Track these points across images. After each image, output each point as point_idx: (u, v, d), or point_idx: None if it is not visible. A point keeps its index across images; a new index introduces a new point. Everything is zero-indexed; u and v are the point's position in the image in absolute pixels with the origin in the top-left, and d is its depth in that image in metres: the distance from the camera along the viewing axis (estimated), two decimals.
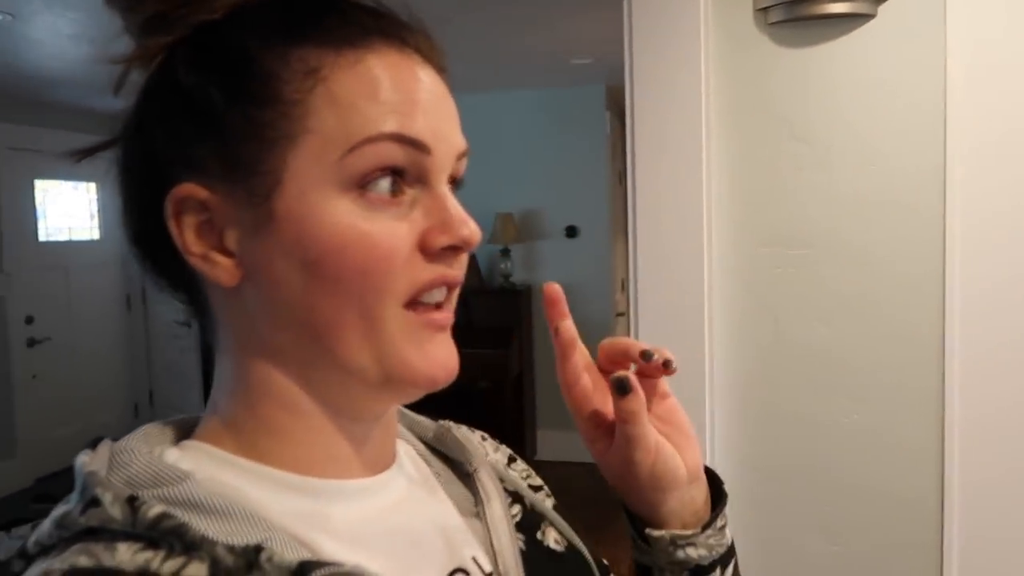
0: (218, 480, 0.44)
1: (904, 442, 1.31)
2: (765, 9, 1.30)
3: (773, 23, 1.31)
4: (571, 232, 4.93)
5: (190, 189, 0.44)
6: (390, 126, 0.44)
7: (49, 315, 4.90)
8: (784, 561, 1.37)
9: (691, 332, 1.35)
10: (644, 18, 1.33)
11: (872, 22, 1.27)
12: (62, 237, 5.11)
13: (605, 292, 4.92)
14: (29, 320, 4.78)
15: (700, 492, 0.57)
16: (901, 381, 1.30)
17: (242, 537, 0.41)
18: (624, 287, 4.89)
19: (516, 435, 4.68)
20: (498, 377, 4.55)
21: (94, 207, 5.29)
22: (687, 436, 0.57)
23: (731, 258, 1.37)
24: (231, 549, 0.39)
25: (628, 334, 1.43)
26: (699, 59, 1.31)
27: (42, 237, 4.96)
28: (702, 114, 1.32)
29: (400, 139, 0.44)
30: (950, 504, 1.27)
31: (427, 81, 0.47)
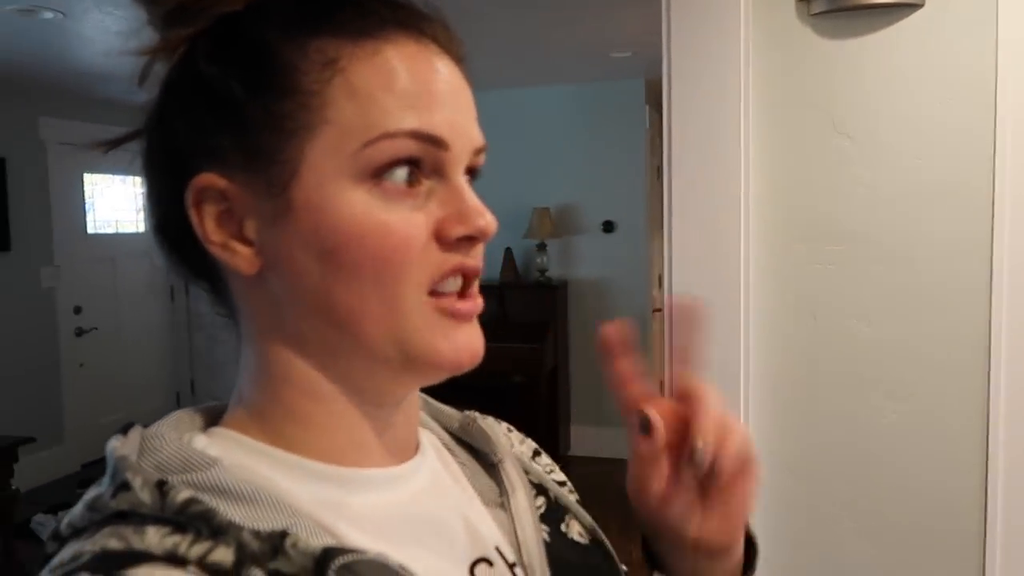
0: (245, 467, 0.45)
1: (946, 444, 1.28)
2: (808, 0, 1.28)
3: (816, 14, 1.28)
4: (608, 227, 4.90)
5: (210, 179, 0.45)
6: (409, 122, 0.44)
7: (96, 306, 5.04)
8: (819, 561, 1.35)
9: (727, 329, 1.33)
10: (683, 10, 1.32)
11: (920, 12, 1.24)
12: (110, 230, 5.24)
13: (642, 288, 4.89)
14: (77, 310, 4.91)
15: (717, 565, 0.55)
16: (944, 381, 1.27)
17: (268, 523, 0.41)
18: (661, 283, 4.86)
19: (550, 430, 4.68)
20: (532, 372, 4.55)
21: (140, 200, 5.41)
22: (728, 520, 0.52)
23: (769, 254, 1.35)
24: (257, 534, 0.40)
25: (663, 331, 1.42)
26: (739, 51, 1.29)
27: (90, 230, 5.09)
28: (741, 107, 1.30)
29: (418, 136, 0.44)
30: (993, 509, 1.24)
31: (445, 73, 0.47)
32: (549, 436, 4.60)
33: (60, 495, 4.15)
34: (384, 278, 0.44)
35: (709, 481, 0.51)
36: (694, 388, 0.52)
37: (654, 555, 0.59)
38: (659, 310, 4.83)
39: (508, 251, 4.86)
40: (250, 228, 0.45)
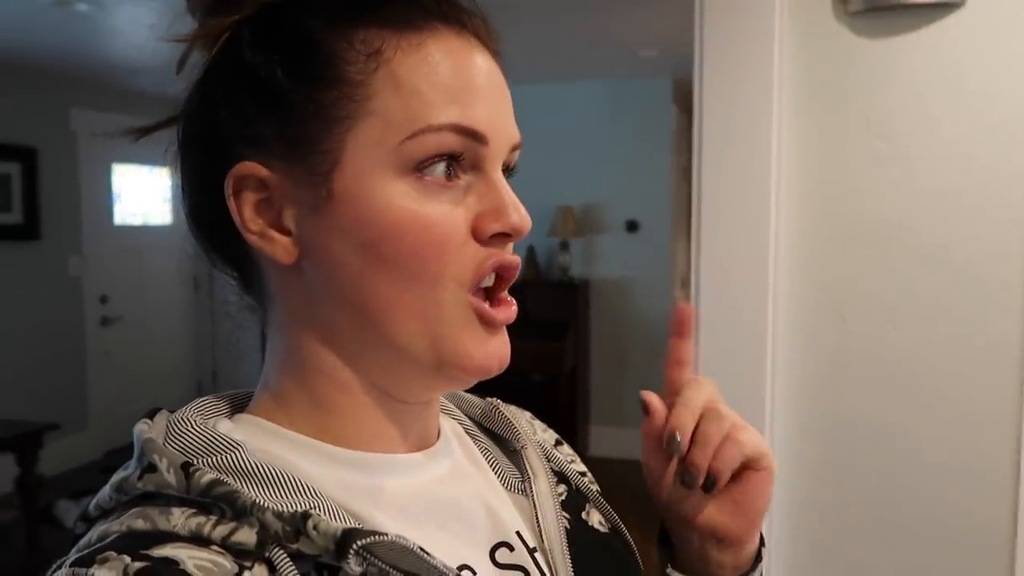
0: (268, 451, 0.46)
1: (976, 453, 1.25)
2: None
3: (854, 12, 1.26)
4: (632, 227, 4.87)
5: (251, 167, 0.45)
6: (452, 116, 0.44)
7: (122, 295, 5.10)
8: (844, 566, 1.33)
9: (754, 331, 1.32)
10: (716, 6, 1.30)
11: (960, 11, 1.21)
12: (136, 221, 5.31)
13: (664, 288, 4.86)
14: (103, 300, 4.98)
15: (727, 556, 0.56)
16: (976, 389, 1.25)
17: (290, 505, 0.42)
18: (684, 284, 4.82)
19: (569, 430, 4.66)
20: (552, 371, 4.54)
21: (167, 192, 5.47)
22: (740, 513, 0.54)
23: (798, 256, 1.33)
24: (279, 515, 0.40)
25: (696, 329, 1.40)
26: (772, 50, 1.27)
27: (117, 221, 5.15)
28: (773, 107, 1.28)
29: (460, 130, 0.44)
30: None
31: (485, 67, 0.47)
32: (568, 436, 4.58)
33: (84, 482, 4.21)
34: (423, 273, 0.44)
35: (707, 483, 0.52)
36: (679, 383, 0.54)
37: (670, 546, 0.60)
38: None
39: (531, 249, 4.85)
40: (289, 217, 0.45)
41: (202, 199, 0.48)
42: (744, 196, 1.31)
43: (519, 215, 0.46)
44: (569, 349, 4.65)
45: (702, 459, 0.51)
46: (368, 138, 0.44)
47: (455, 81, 0.45)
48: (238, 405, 0.52)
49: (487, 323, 0.47)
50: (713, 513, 0.54)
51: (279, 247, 0.46)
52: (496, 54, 0.49)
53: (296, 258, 0.46)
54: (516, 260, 0.48)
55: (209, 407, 0.50)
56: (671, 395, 0.54)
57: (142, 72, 4.23)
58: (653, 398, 0.54)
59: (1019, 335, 1.21)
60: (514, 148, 0.49)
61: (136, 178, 5.27)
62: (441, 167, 0.45)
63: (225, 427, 0.47)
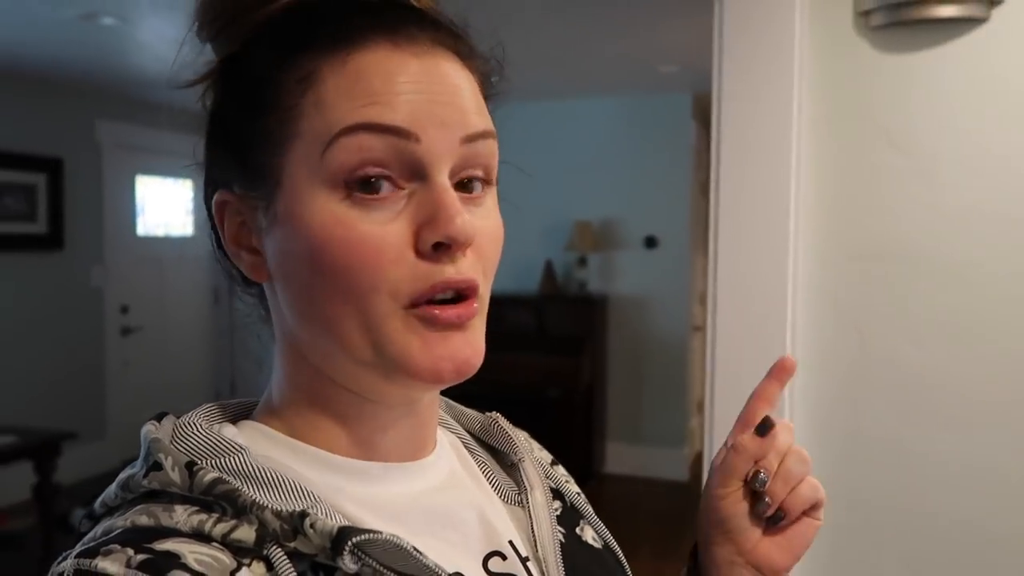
0: (270, 457, 0.47)
1: (1000, 476, 1.22)
2: (866, 13, 1.25)
3: (875, 27, 1.25)
4: (650, 243, 4.86)
5: (224, 195, 0.49)
6: (365, 116, 0.44)
7: (143, 306, 5.15)
8: None
9: (772, 349, 1.30)
10: (736, 20, 1.30)
11: (984, 26, 1.20)
12: (159, 232, 5.37)
13: (682, 305, 4.83)
14: (124, 310, 5.03)
15: None
16: (1000, 410, 1.22)
17: (289, 505, 0.43)
18: (702, 300, 4.79)
19: (585, 446, 4.63)
20: (569, 386, 4.51)
21: (189, 204, 5.53)
22: (785, 549, 0.57)
23: (818, 273, 1.31)
24: (278, 514, 0.42)
25: (705, 349, 1.39)
26: (792, 65, 1.26)
27: (140, 231, 5.21)
28: (793, 123, 1.27)
29: (375, 128, 0.43)
30: None
31: (417, 68, 0.45)
32: (584, 452, 4.56)
33: (100, 489, 4.22)
34: (357, 287, 0.44)
35: (775, 517, 0.56)
36: (756, 418, 0.57)
37: (697, 567, 0.61)
38: (699, 328, 4.77)
39: (548, 264, 4.84)
40: (255, 239, 0.49)
41: (210, 223, 0.53)
42: (763, 212, 1.30)
43: (455, 224, 0.43)
44: (586, 365, 4.63)
45: (781, 492, 0.55)
46: (298, 158, 0.45)
47: (379, 87, 0.44)
48: (243, 413, 0.53)
49: (430, 322, 0.45)
50: (766, 546, 0.57)
51: (252, 267, 0.49)
52: (457, 54, 0.48)
53: (268, 277, 0.49)
54: (464, 279, 0.45)
55: (215, 413, 0.52)
56: (745, 426, 0.57)
57: (166, 85, 4.28)
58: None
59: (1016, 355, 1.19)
60: (470, 139, 0.46)
61: (159, 189, 5.33)
62: (377, 181, 0.44)
63: (230, 432, 0.49)
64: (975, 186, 1.22)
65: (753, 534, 0.57)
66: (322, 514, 0.43)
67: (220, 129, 0.50)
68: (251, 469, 0.45)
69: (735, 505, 0.56)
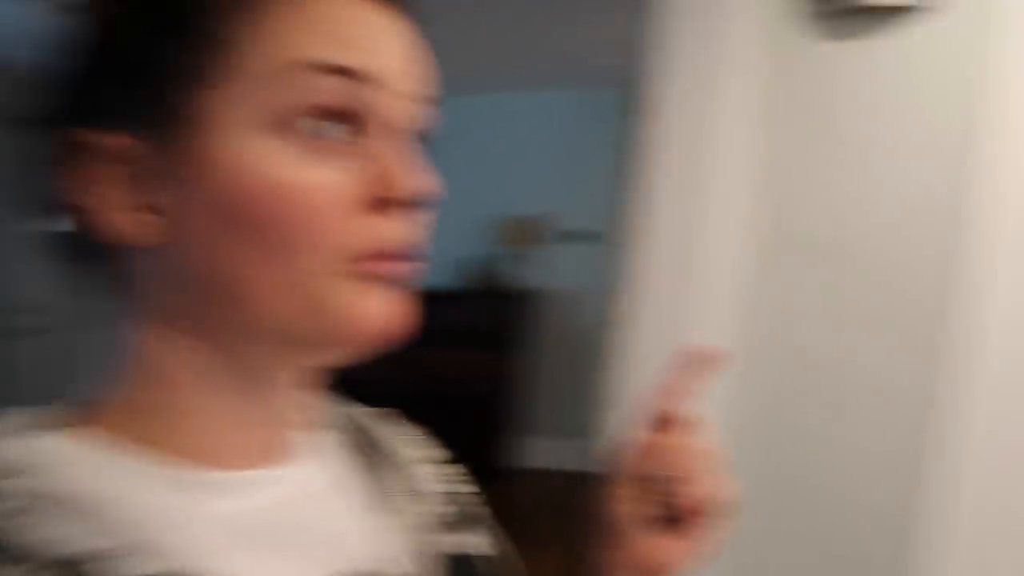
0: (84, 474, 0.40)
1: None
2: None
3: (811, 14, 1.25)
4: (578, 237, 4.88)
5: (104, 138, 0.40)
6: (326, 55, 0.39)
7: None
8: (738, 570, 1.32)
9: (691, 341, 1.30)
10: (668, 14, 1.28)
11: (920, 16, 1.19)
12: None
13: (611, 300, 4.87)
14: None
15: None
16: (919, 400, 1.25)
17: (77, 541, 0.37)
18: (629, 294, 4.84)
19: (507, 440, 4.63)
20: (493, 380, 4.50)
21: None
22: (681, 556, 0.54)
23: (750, 266, 1.31)
24: (55, 562, 0.35)
25: (635, 342, 1.38)
26: (723, 55, 1.26)
27: None
28: (725, 114, 1.27)
29: (337, 70, 0.39)
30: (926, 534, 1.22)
31: (376, 19, 0.41)
32: (506, 446, 4.55)
33: None
34: (288, 244, 0.38)
35: (672, 518, 0.53)
36: (676, 417, 0.54)
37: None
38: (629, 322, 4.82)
39: (475, 258, 4.81)
40: (148, 193, 0.40)
41: (38, 174, 0.43)
42: (693, 205, 1.30)
43: (414, 180, 0.40)
44: (511, 359, 4.62)
45: (678, 492, 0.52)
46: (227, 95, 0.39)
47: (337, 27, 0.39)
48: (66, 418, 0.45)
49: (369, 279, 0.41)
50: (660, 549, 0.54)
51: (135, 226, 0.40)
52: (409, 18, 0.44)
53: (155, 239, 0.40)
54: (402, 246, 0.41)
55: (24, 422, 0.43)
56: (647, 421, 0.54)
57: None
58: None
59: (936, 344, 1.21)
60: (428, 101, 0.43)
61: None
62: (331, 127, 0.39)
63: (47, 443, 0.41)
64: (902, 179, 1.24)
65: (646, 536, 0.53)
66: (123, 551, 0.37)
67: (107, 55, 0.40)
68: (51, 493, 0.38)
69: (627, 504, 0.53)
